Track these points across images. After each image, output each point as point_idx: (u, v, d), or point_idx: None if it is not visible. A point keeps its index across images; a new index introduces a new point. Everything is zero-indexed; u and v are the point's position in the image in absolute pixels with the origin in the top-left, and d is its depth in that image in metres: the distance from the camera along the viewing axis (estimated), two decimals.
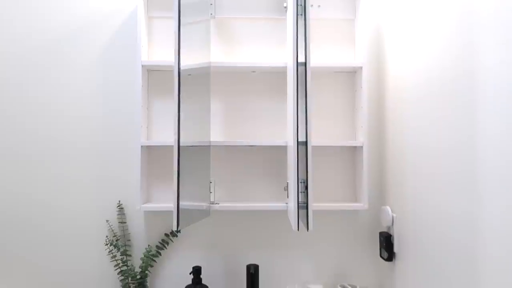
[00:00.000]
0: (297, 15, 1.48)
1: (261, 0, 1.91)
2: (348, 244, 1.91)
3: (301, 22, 1.48)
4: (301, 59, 1.46)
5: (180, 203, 1.45)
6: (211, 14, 1.89)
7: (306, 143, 1.42)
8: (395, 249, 1.70)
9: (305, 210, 1.43)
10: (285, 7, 1.86)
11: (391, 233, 1.74)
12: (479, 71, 1.11)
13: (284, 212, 1.90)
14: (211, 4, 1.88)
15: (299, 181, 1.46)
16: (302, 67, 1.46)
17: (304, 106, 1.43)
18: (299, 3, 1.49)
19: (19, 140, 1.88)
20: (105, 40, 1.91)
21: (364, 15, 1.85)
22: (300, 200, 1.46)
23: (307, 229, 1.41)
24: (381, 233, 1.80)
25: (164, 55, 1.91)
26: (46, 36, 1.90)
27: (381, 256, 1.80)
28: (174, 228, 1.42)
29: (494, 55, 1.05)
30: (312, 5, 1.91)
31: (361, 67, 1.81)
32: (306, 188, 1.43)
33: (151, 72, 1.91)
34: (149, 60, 1.85)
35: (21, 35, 1.89)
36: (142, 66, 1.79)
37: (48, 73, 1.89)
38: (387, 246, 1.73)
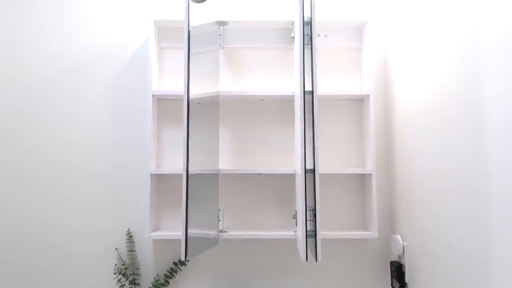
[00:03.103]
0: (304, 44, 1.52)
1: (269, 31, 1.95)
2: (359, 273, 1.87)
3: (308, 52, 1.51)
4: (308, 87, 1.48)
5: (189, 231, 1.44)
6: (220, 44, 1.93)
7: (314, 170, 1.42)
8: (407, 279, 1.67)
9: (313, 239, 1.42)
10: (292, 37, 1.90)
11: (402, 263, 1.70)
12: (485, 99, 1.12)
13: (293, 241, 1.88)
14: (220, 35, 1.93)
15: (307, 209, 1.45)
16: (309, 96, 1.48)
17: (312, 134, 1.44)
18: (305, 33, 1.52)
19: (32, 168, 1.90)
20: (117, 70, 1.96)
21: (371, 44, 1.87)
22: (308, 228, 1.45)
23: (316, 259, 1.39)
24: (392, 262, 1.77)
25: (174, 84, 1.95)
26: (59, 66, 1.95)
27: (392, 286, 1.76)
28: (182, 258, 1.42)
29: (500, 84, 1.05)
30: (319, 35, 1.95)
31: (368, 95, 1.83)
32: (315, 216, 1.42)
33: (161, 101, 1.95)
34: (159, 90, 1.89)
35: (33, 66, 1.95)
36: (153, 95, 1.83)
37: (61, 102, 1.94)
38: (398, 276, 1.69)
